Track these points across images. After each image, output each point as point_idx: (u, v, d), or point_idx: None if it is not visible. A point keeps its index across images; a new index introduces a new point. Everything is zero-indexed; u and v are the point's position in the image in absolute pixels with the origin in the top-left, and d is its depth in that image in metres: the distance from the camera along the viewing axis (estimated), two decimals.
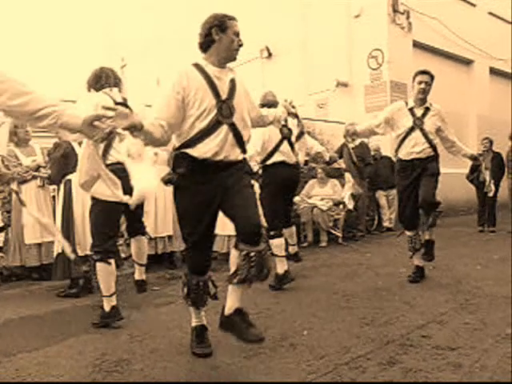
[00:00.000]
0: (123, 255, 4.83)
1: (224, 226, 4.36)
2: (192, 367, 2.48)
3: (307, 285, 4.32)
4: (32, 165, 4.73)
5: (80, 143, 3.87)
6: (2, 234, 4.88)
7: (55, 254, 4.15)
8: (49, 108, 1.87)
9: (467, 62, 11.46)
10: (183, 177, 2.45)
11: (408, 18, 9.53)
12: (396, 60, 9.30)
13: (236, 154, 2.53)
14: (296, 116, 3.64)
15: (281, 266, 4.18)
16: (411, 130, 4.16)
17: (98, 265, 3.16)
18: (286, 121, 4.13)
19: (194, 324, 2.74)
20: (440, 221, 4.37)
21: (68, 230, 4.06)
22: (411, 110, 4.20)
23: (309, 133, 5.89)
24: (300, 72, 10.61)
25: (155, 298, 3.99)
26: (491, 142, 7.99)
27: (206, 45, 2.52)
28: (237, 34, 2.52)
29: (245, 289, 2.46)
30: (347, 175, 7.15)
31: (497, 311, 3.29)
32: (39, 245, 4.71)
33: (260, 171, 4.27)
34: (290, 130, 4.23)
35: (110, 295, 3.18)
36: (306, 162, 5.89)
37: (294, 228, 4.53)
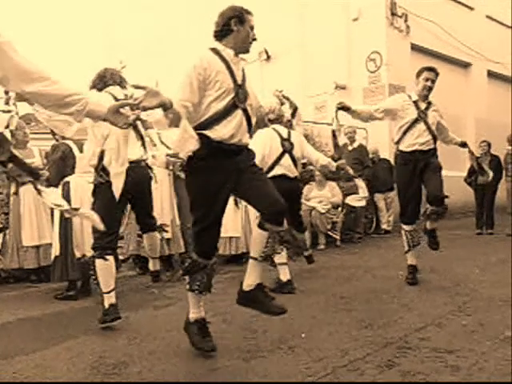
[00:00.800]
0: (121, 257, 4.83)
1: (224, 228, 4.37)
2: (190, 369, 2.48)
3: (305, 287, 4.31)
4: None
5: (81, 146, 3.89)
6: (0, 236, 4.86)
7: (53, 255, 4.14)
8: (76, 95, 1.88)
9: (465, 65, 11.50)
10: (199, 159, 2.47)
11: (406, 20, 9.58)
12: (394, 63, 9.33)
13: (246, 139, 2.64)
14: (287, 98, 3.71)
15: (284, 274, 4.14)
16: (415, 121, 4.15)
17: (97, 261, 3.19)
18: (288, 134, 4.25)
19: (194, 316, 2.70)
20: (438, 223, 4.37)
21: (66, 231, 4.06)
22: (415, 102, 4.20)
23: (306, 136, 5.88)
24: (298, 74, 10.64)
25: (153, 300, 3.98)
26: (489, 145, 8.02)
27: (223, 33, 2.60)
28: (252, 28, 2.64)
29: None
30: (358, 182, 7.17)
31: (495, 314, 3.29)
32: (37, 247, 4.71)
33: None
34: (291, 143, 4.22)
35: (108, 292, 3.19)
36: (304, 165, 5.91)
37: (306, 233, 4.67)
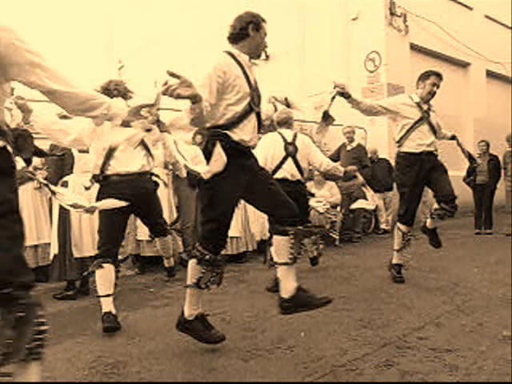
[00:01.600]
0: (120, 257, 4.81)
1: None
2: (189, 369, 2.48)
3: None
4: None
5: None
6: None
7: (51, 255, 4.14)
8: (99, 99, 1.91)
9: (464, 65, 11.51)
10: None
11: (405, 20, 9.57)
12: (393, 62, 9.33)
13: (256, 142, 2.74)
14: (285, 99, 3.78)
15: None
16: (419, 122, 4.14)
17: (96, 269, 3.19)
18: (294, 138, 4.32)
19: (195, 313, 2.69)
20: (438, 222, 4.38)
21: (65, 232, 4.05)
22: (418, 103, 4.19)
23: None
24: (297, 74, 10.64)
25: (152, 300, 3.98)
26: (488, 145, 8.02)
27: (239, 37, 2.65)
28: (265, 35, 2.71)
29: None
30: (367, 191, 7.15)
31: (493, 313, 3.29)
32: (35, 246, 4.69)
33: None
34: (296, 147, 4.28)
35: (104, 296, 3.18)
36: None
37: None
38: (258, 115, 2.68)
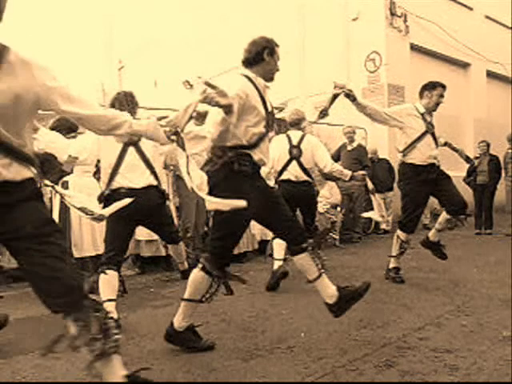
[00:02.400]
0: None
1: None
2: (189, 369, 2.47)
3: (304, 287, 4.30)
4: None
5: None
6: None
7: None
8: (121, 117, 2.06)
9: (464, 65, 11.51)
10: (243, 176, 2.60)
11: (405, 21, 9.57)
12: (393, 63, 9.33)
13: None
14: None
15: (277, 266, 4.35)
16: (424, 134, 4.14)
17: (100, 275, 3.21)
18: (300, 140, 4.42)
19: (186, 325, 2.71)
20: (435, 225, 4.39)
21: (64, 231, 4.05)
22: (422, 114, 4.19)
23: None
24: (298, 75, 10.64)
25: (152, 300, 3.98)
26: (488, 145, 8.03)
27: (254, 61, 2.75)
28: (278, 59, 2.83)
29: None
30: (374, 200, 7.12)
31: (493, 314, 3.29)
32: None
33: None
34: (300, 150, 4.40)
35: (106, 301, 3.18)
36: None
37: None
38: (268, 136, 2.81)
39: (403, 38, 9.62)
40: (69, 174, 4.18)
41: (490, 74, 12.18)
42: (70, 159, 3.37)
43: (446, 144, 4.76)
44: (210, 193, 2.61)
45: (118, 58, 16.58)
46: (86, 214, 2.73)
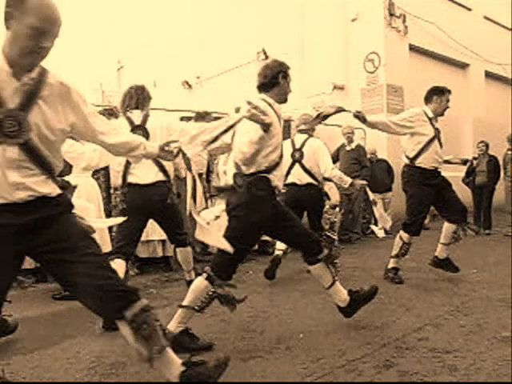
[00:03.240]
0: None
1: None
2: None
3: (303, 288, 4.32)
4: None
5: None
6: None
7: None
8: (136, 140, 2.23)
9: (463, 66, 11.52)
10: (264, 198, 2.70)
11: (404, 21, 9.58)
12: (392, 63, 9.34)
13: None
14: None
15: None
16: (432, 139, 4.16)
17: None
18: (303, 144, 4.53)
19: (181, 328, 2.70)
20: (436, 223, 4.39)
21: None
22: (430, 119, 4.20)
23: None
24: (296, 75, 10.59)
25: (151, 301, 3.93)
26: (487, 146, 8.03)
27: (270, 85, 2.83)
28: (290, 81, 2.91)
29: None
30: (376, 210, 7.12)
31: (492, 314, 3.30)
32: None
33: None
34: (302, 153, 4.51)
35: None
36: None
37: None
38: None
39: (402, 39, 9.63)
40: (67, 173, 4.17)
41: (489, 75, 12.19)
42: (89, 167, 3.45)
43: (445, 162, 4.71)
44: (229, 213, 2.73)
45: (117, 58, 16.59)
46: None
